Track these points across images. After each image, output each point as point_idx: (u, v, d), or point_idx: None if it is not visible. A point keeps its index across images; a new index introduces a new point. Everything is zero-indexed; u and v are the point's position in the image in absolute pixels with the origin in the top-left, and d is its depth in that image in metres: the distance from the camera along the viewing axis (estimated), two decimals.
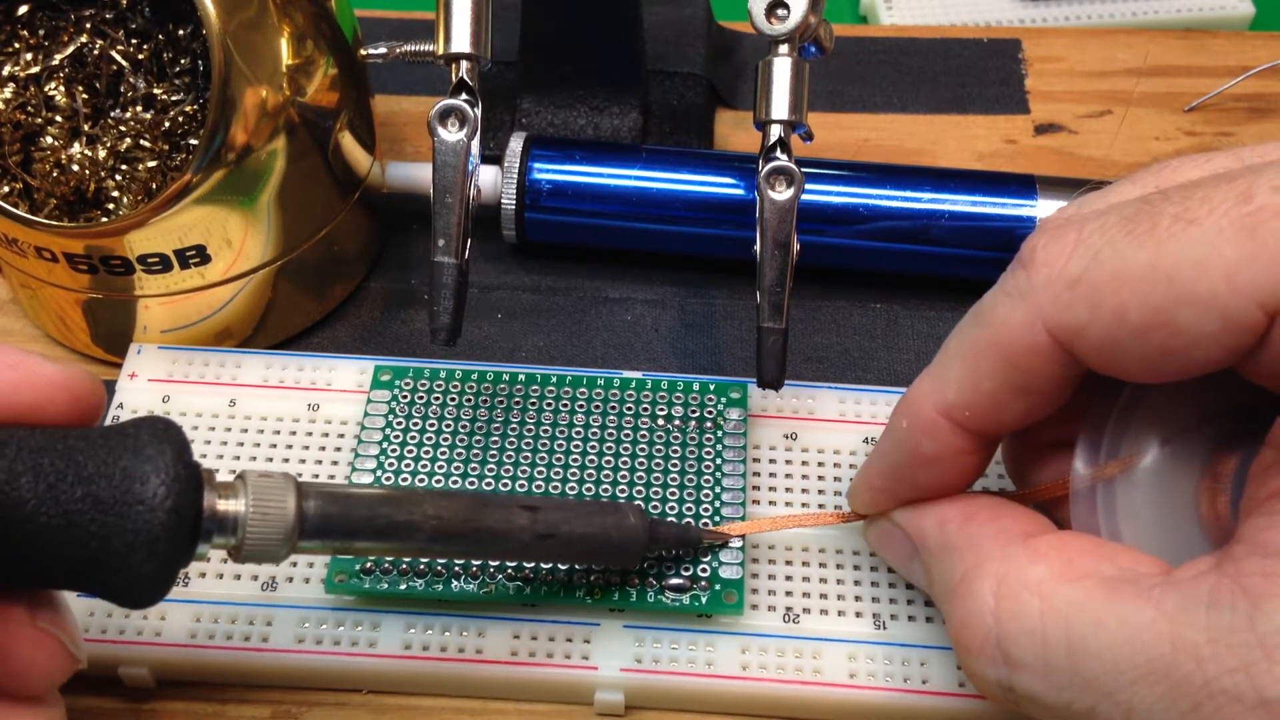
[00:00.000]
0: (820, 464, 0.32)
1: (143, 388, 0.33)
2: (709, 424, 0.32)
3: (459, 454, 0.32)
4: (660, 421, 0.32)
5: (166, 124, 0.32)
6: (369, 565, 0.29)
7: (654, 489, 0.31)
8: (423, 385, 0.33)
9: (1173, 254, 0.21)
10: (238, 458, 0.32)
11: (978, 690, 0.24)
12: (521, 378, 0.33)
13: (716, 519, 0.30)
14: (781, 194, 0.31)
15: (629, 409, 0.32)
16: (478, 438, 0.32)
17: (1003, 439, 0.26)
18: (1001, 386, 0.24)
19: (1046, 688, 0.22)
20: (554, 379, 0.33)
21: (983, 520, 0.25)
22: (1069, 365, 0.23)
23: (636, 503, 0.30)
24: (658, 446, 0.32)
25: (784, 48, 0.31)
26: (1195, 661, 0.20)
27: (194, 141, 0.32)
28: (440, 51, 0.31)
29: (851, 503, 0.29)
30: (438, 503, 0.26)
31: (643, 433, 0.32)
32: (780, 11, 0.31)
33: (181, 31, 0.32)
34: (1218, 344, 0.21)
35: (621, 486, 0.31)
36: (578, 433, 0.32)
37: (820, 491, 0.32)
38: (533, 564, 0.29)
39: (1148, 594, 0.21)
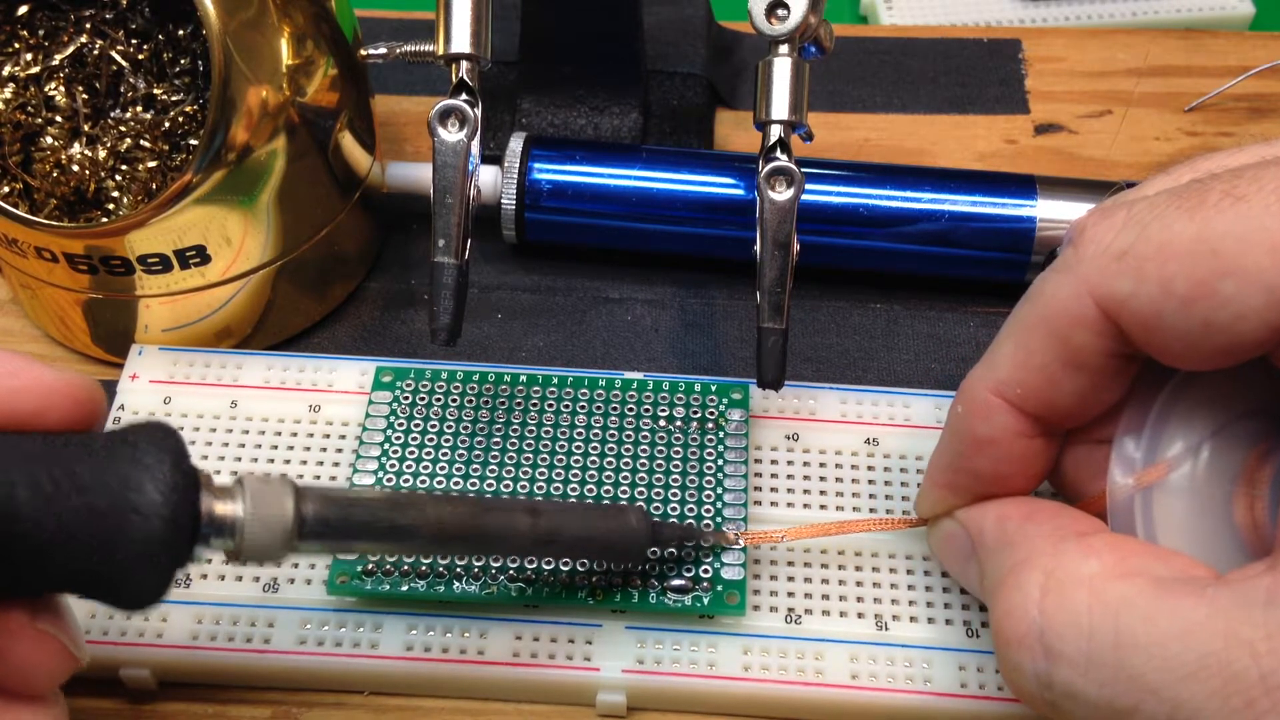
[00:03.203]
0: (822, 464, 0.32)
1: (144, 389, 0.33)
2: (710, 425, 0.32)
3: (460, 455, 0.32)
4: (661, 422, 0.32)
5: (166, 124, 0.32)
6: (370, 567, 0.29)
7: (655, 490, 0.31)
8: (424, 386, 0.33)
9: (1219, 227, 0.21)
10: (239, 459, 0.32)
11: (1012, 690, 0.24)
12: (522, 378, 0.33)
13: (718, 520, 0.30)
14: (781, 194, 0.31)
15: (630, 410, 0.32)
16: (479, 439, 0.32)
17: (1061, 430, 0.26)
18: (1052, 361, 0.24)
19: (1088, 683, 0.21)
20: (554, 379, 0.33)
21: (1041, 519, 0.25)
22: (1117, 340, 0.23)
23: (639, 505, 0.30)
24: (659, 448, 0.32)
25: (784, 48, 0.31)
26: (1251, 657, 0.19)
27: (194, 141, 0.32)
28: (440, 51, 0.31)
29: (918, 508, 0.29)
30: (439, 507, 0.26)
31: (644, 434, 0.32)
32: (780, 11, 0.31)
33: (181, 31, 0.32)
34: (1260, 320, 0.21)
35: (623, 488, 0.31)
36: (579, 434, 0.32)
37: (822, 493, 0.32)
38: (535, 564, 0.29)
39: (1200, 593, 0.21)
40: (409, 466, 0.31)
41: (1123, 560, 0.22)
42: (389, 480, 0.31)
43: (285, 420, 0.33)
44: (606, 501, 0.31)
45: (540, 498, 0.31)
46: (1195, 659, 0.20)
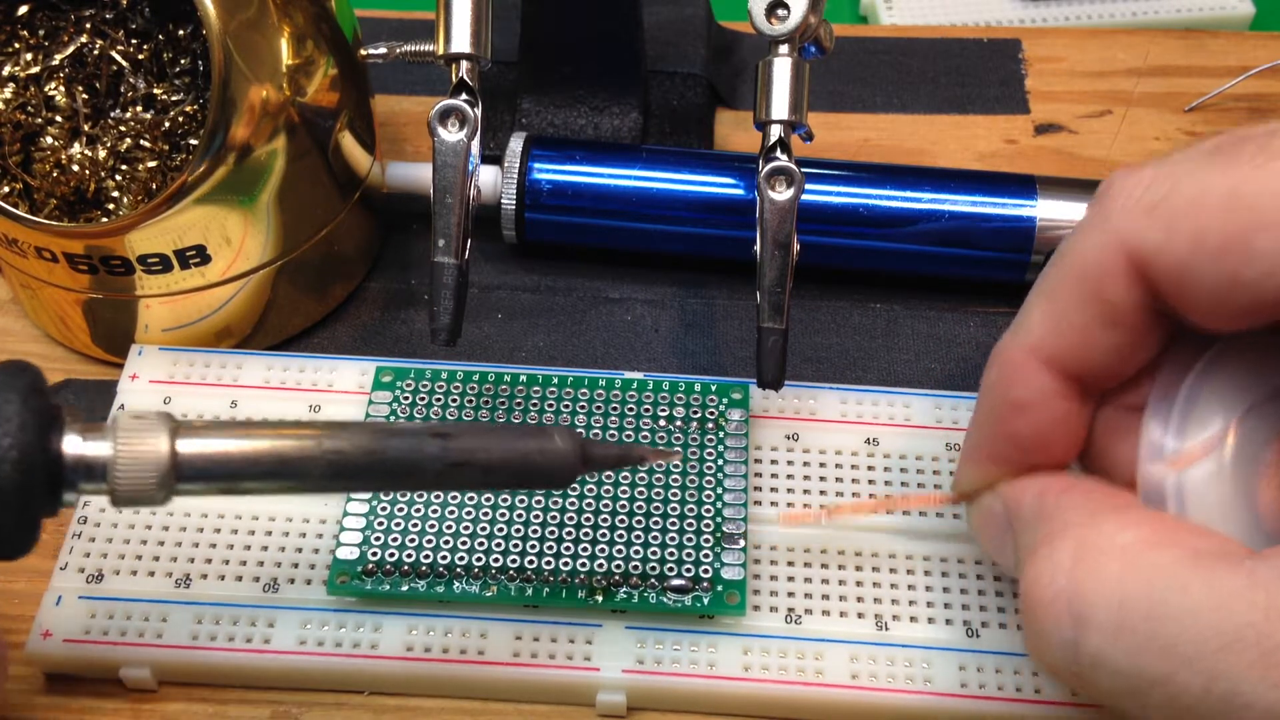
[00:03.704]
0: (822, 464, 0.32)
1: (144, 389, 0.33)
2: (710, 425, 0.32)
3: None
4: (661, 422, 0.32)
5: (166, 124, 0.32)
6: (370, 567, 0.29)
7: (655, 490, 0.31)
8: (424, 386, 0.33)
9: (1254, 184, 0.21)
10: None
11: (1037, 661, 0.23)
12: (522, 378, 0.33)
13: (718, 519, 0.30)
14: (781, 194, 0.31)
15: (630, 410, 0.32)
16: None
17: (1097, 392, 0.26)
18: (1087, 319, 0.24)
19: (1118, 652, 0.21)
20: (554, 379, 0.33)
21: (1077, 493, 0.25)
22: (1148, 294, 0.23)
23: (566, 425, 0.27)
24: (659, 448, 0.32)
25: (784, 48, 0.31)
26: None
27: (194, 141, 0.32)
28: (440, 51, 0.31)
29: (956, 486, 0.28)
30: (335, 435, 0.24)
31: (644, 434, 0.32)
32: (780, 11, 0.31)
33: (181, 31, 0.32)
34: None
35: (623, 488, 0.31)
36: (578, 434, 0.32)
37: (822, 492, 0.32)
38: (535, 564, 0.29)
39: (1239, 565, 0.21)
40: None
41: (1158, 533, 0.22)
42: None
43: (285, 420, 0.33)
44: (604, 506, 0.31)
45: (540, 498, 0.31)
46: (1233, 630, 0.20)
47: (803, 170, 0.31)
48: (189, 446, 0.23)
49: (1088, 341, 0.24)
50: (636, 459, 0.27)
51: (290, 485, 0.24)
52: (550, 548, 0.30)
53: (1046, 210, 0.36)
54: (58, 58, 0.32)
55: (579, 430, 0.32)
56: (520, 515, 0.30)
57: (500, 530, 0.30)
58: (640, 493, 0.31)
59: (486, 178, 0.37)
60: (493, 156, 0.38)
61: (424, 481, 0.25)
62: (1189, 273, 0.22)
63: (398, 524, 0.30)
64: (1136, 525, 0.22)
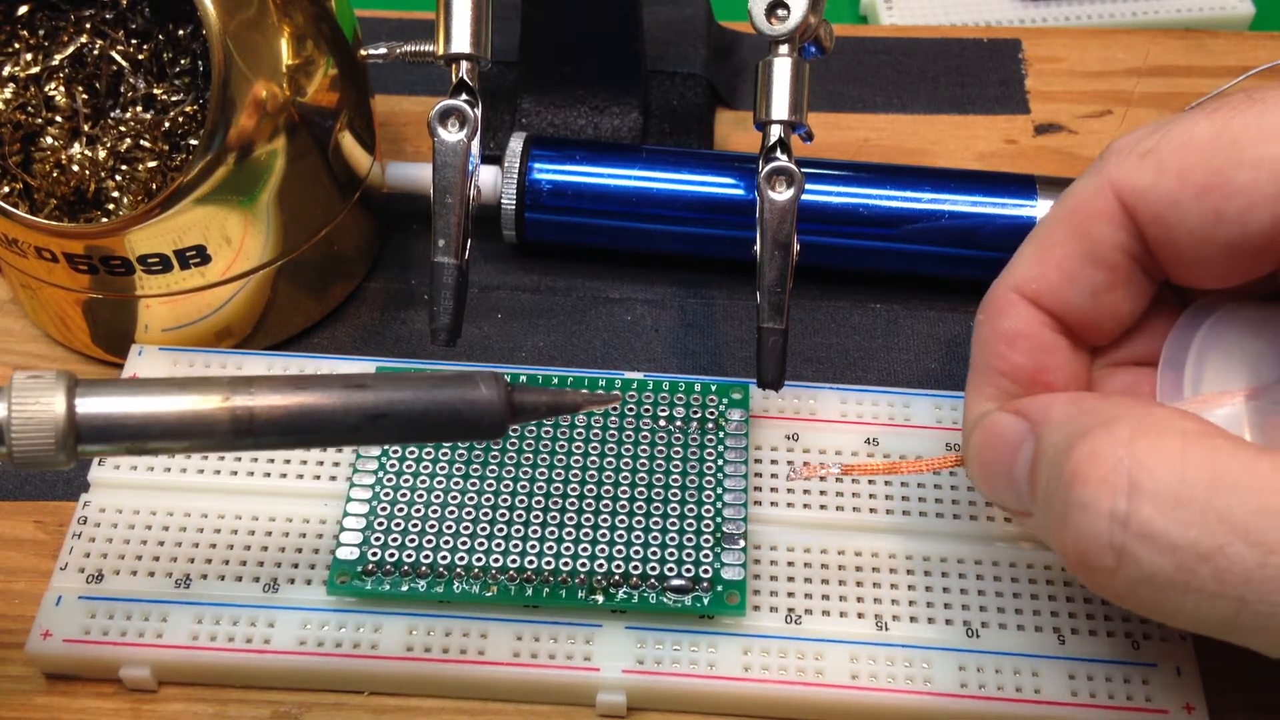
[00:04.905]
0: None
1: None
2: (710, 425, 0.32)
3: (460, 455, 0.32)
4: (661, 423, 0.32)
5: (166, 124, 0.32)
6: (370, 567, 0.29)
7: (655, 490, 0.31)
8: None
9: (1238, 124, 0.23)
10: (239, 459, 0.32)
11: (1066, 543, 0.23)
12: (522, 378, 0.33)
13: (718, 519, 0.30)
14: (781, 194, 0.31)
15: (630, 410, 0.32)
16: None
17: (1085, 344, 0.27)
18: (1071, 255, 0.25)
19: (1172, 521, 0.21)
20: (554, 380, 0.33)
21: (1121, 397, 0.25)
22: (1134, 237, 0.25)
23: (494, 371, 0.25)
24: (659, 448, 0.32)
25: (784, 48, 0.31)
26: None
27: (194, 141, 0.32)
28: (440, 52, 0.31)
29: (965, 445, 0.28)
30: (242, 389, 0.23)
31: (644, 434, 0.32)
32: (780, 12, 0.31)
33: (181, 31, 0.32)
34: (1270, 213, 0.22)
35: (623, 488, 0.31)
36: (579, 434, 0.32)
37: (822, 493, 0.31)
38: (535, 564, 0.29)
39: None
40: (409, 466, 0.31)
41: (1211, 428, 0.22)
42: (389, 480, 0.31)
43: None
44: (604, 507, 0.31)
45: (541, 499, 0.31)
46: None
47: (803, 170, 0.31)
48: (88, 405, 0.22)
49: (1070, 279, 0.25)
50: (570, 406, 0.25)
51: (197, 444, 0.23)
52: (550, 548, 0.30)
53: (1046, 210, 0.36)
54: (58, 58, 0.32)
55: (579, 431, 0.32)
56: (520, 515, 0.30)
57: (500, 530, 0.30)
58: (640, 493, 0.31)
59: (486, 178, 0.37)
60: (493, 156, 0.38)
61: (340, 435, 0.24)
62: (1175, 210, 0.23)
63: (398, 524, 0.30)
64: (1190, 419, 0.23)
